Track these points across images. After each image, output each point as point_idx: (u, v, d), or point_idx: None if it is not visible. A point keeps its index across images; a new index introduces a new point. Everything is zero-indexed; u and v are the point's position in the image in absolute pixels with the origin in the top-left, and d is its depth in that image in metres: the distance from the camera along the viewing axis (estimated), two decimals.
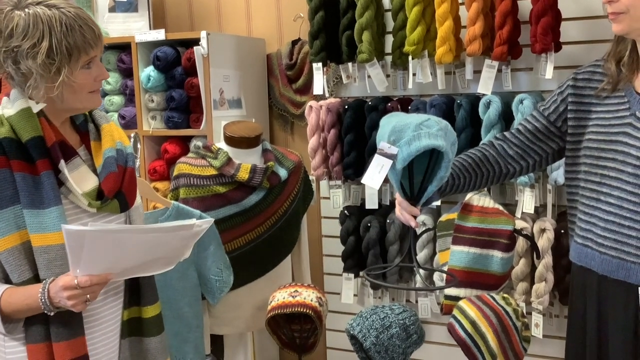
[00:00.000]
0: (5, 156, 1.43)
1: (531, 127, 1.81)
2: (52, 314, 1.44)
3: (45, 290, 1.41)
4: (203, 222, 1.48)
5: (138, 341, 1.63)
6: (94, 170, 1.55)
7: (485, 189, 2.10)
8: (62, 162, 1.47)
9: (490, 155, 1.84)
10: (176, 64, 2.82)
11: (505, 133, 1.87)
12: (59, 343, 1.47)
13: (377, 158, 1.64)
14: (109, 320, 1.58)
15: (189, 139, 2.89)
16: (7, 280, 1.46)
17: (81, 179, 1.50)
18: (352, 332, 2.03)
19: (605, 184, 1.63)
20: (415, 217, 1.68)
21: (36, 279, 1.45)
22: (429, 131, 1.57)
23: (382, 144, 1.62)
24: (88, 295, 1.41)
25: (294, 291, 2.29)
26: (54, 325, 1.47)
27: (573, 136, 1.74)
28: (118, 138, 1.62)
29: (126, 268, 1.47)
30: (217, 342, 2.53)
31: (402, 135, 1.58)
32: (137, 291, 1.62)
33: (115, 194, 1.56)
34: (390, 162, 1.60)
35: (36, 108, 1.47)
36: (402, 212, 1.69)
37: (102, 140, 1.59)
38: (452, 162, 1.61)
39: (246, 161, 2.32)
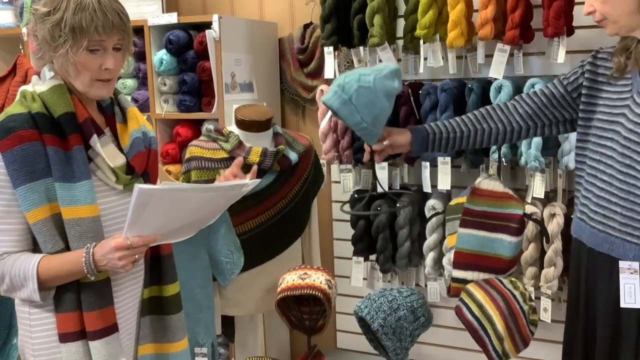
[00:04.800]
0: (37, 130, 1.47)
1: (548, 92, 1.88)
2: (92, 278, 1.49)
3: (90, 254, 1.46)
4: (252, 183, 1.58)
5: (158, 319, 1.68)
6: (121, 151, 1.60)
7: (495, 172, 2.10)
8: (95, 137, 1.52)
9: (495, 114, 1.92)
10: (188, 47, 2.83)
11: (522, 94, 1.95)
12: (90, 312, 1.52)
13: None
14: (128, 298, 1.63)
15: (200, 122, 2.91)
16: (35, 251, 1.51)
17: (111, 155, 1.55)
18: (360, 314, 2.05)
19: (602, 162, 1.73)
20: (373, 151, 1.91)
21: (67, 249, 1.50)
22: (331, 88, 1.81)
23: None
24: (137, 256, 1.47)
25: (304, 274, 2.31)
26: (86, 295, 1.52)
27: (584, 112, 1.80)
28: (142, 122, 1.68)
29: (169, 230, 1.54)
30: (228, 323, 2.56)
31: None
32: (157, 270, 1.66)
33: (142, 173, 1.62)
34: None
35: (49, 75, 1.52)
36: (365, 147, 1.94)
37: (128, 123, 1.64)
38: (349, 113, 1.79)
39: (257, 144, 2.33)
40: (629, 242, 1.68)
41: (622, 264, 1.67)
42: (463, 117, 1.94)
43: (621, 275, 1.68)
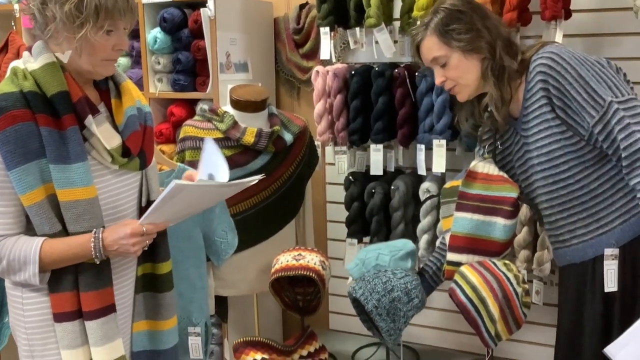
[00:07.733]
0: (30, 109, 1.44)
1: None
2: (98, 261, 1.49)
3: (99, 239, 1.46)
4: (260, 176, 1.65)
5: (151, 296, 1.68)
6: (115, 128, 1.58)
7: (490, 155, 2.10)
8: (90, 117, 1.49)
9: None
10: (183, 26, 2.80)
11: None
12: (88, 292, 1.52)
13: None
14: (125, 276, 1.63)
15: (195, 102, 2.89)
16: (29, 233, 1.50)
17: (106, 136, 1.53)
18: (354, 295, 2.06)
19: (536, 197, 1.88)
20: None
21: (65, 231, 1.49)
22: (354, 259, 2.22)
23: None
24: (147, 241, 1.50)
25: (298, 255, 2.31)
26: (84, 276, 1.51)
27: (508, 172, 1.98)
28: (137, 96, 1.65)
29: (181, 215, 1.58)
30: (222, 303, 2.57)
31: None
32: (151, 248, 1.66)
33: (138, 152, 1.60)
34: None
35: (65, 58, 1.48)
36: None
37: (122, 99, 1.61)
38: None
39: (252, 125, 2.32)
40: (604, 233, 1.76)
41: (607, 252, 1.75)
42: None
43: (605, 263, 1.76)
